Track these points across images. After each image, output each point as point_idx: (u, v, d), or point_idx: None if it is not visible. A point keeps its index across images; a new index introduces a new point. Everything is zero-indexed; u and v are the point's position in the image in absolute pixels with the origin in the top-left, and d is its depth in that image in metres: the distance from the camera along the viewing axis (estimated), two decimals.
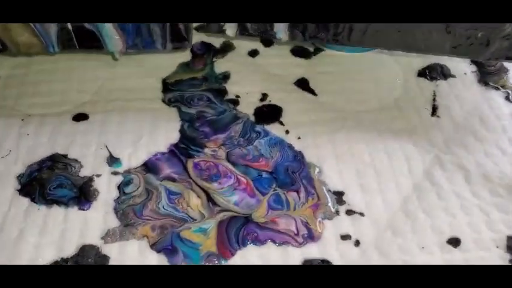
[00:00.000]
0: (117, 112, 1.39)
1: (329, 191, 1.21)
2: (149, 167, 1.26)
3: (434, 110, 1.36)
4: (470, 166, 1.24)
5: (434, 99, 1.40)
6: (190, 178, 1.23)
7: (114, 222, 1.14)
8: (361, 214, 1.16)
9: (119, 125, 1.36)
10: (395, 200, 1.18)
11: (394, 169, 1.25)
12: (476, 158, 1.27)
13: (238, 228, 1.13)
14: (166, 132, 1.34)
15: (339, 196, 1.19)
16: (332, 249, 1.09)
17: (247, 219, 1.14)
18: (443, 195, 1.19)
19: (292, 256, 1.08)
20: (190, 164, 1.26)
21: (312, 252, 1.09)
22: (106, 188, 1.21)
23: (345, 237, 1.12)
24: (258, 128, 1.36)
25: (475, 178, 1.22)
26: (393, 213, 1.15)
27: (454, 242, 1.10)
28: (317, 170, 1.25)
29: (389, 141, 1.30)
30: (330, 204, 1.18)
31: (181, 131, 1.34)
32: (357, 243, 1.10)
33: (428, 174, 1.23)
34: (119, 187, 1.21)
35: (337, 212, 1.16)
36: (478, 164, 1.25)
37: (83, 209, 1.16)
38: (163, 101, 1.43)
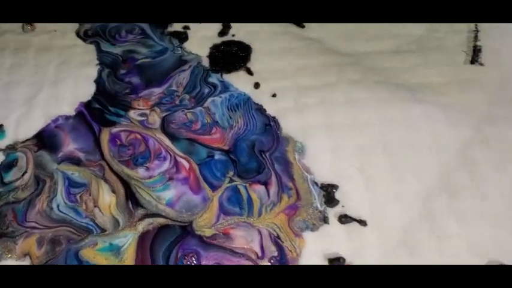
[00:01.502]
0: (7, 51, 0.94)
1: (315, 183, 0.79)
2: (44, 139, 0.83)
3: (475, 55, 0.90)
4: None
5: (475, 38, 0.95)
6: (104, 159, 0.81)
7: None
8: (362, 223, 0.75)
9: (10, 70, 0.95)
10: (416, 199, 0.77)
11: (414, 149, 0.83)
12: None
13: (170, 246, 0.72)
14: (75, 83, 0.90)
15: (329, 192, 0.78)
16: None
17: (185, 231, 0.74)
18: (487, 193, 0.77)
19: None
20: (105, 136, 0.84)
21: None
22: None
23: (335, 261, 0.71)
24: (214, 78, 0.91)
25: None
26: (411, 221, 0.75)
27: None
28: (298, 147, 0.83)
29: (408, 104, 0.87)
30: (315, 206, 0.76)
31: (98, 81, 0.90)
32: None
33: (466, 158, 0.81)
34: None
35: (325, 220, 0.75)
36: None
37: None
38: (78, 34, 0.97)
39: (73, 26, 1.01)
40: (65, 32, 1.00)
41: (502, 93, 0.90)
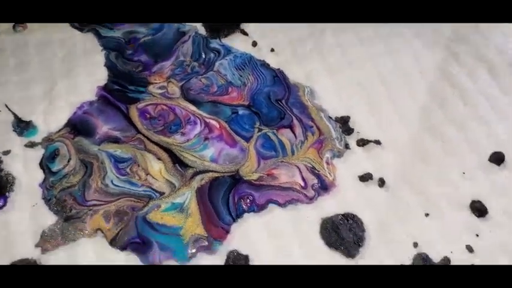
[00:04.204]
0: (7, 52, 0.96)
1: (330, 118, 0.91)
2: (77, 126, 0.88)
3: None
4: (492, 55, 0.98)
5: None
6: (140, 133, 0.87)
7: (48, 218, 0.81)
8: (377, 142, 0.89)
9: (17, 69, 0.96)
10: (414, 114, 0.92)
11: (402, 74, 0.97)
12: (497, 43, 1.00)
13: (225, 193, 0.82)
14: (86, 71, 0.95)
15: (344, 123, 0.90)
16: (353, 197, 0.83)
17: (235, 179, 0.83)
18: (468, 98, 0.94)
19: (306, 218, 0.80)
20: (133, 112, 0.90)
21: (330, 207, 0.82)
22: (23, 169, 0.86)
23: (365, 177, 0.85)
24: (214, 43, 0.99)
25: (500, 69, 0.97)
26: (416, 133, 0.90)
27: (497, 158, 0.87)
28: (307, 91, 0.94)
29: (388, 39, 1.01)
30: (335, 136, 0.89)
31: (108, 65, 0.95)
32: (381, 182, 0.84)
33: (445, 73, 0.96)
34: (41, 164, 0.85)
35: (346, 146, 0.88)
36: (500, 51, 0.99)
37: None
38: (73, 25, 1.01)
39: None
40: (59, 26, 1.01)
41: None
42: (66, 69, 0.96)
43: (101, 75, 0.95)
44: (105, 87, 0.93)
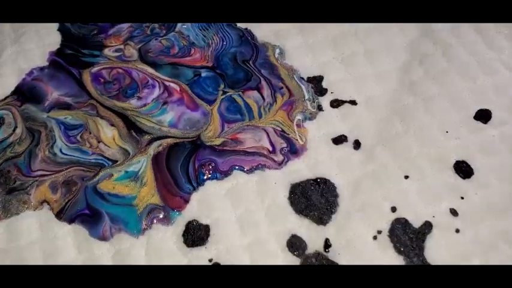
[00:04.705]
0: None
1: (301, 78, 0.83)
2: (25, 93, 0.81)
3: None
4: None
5: None
6: (93, 98, 0.80)
7: None
8: (353, 102, 0.82)
9: None
10: (393, 72, 0.85)
11: (381, 28, 0.90)
12: None
13: (185, 160, 0.74)
14: (38, 35, 0.87)
15: (316, 83, 0.83)
16: (325, 161, 0.76)
17: (196, 145, 0.76)
18: (451, 54, 0.86)
19: (273, 184, 0.73)
20: (87, 77, 0.83)
21: (300, 172, 0.75)
22: None
23: (339, 140, 0.77)
24: None
25: (485, 23, 0.89)
26: (394, 91, 0.82)
27: (483, 115, 0.79)
28: (277, 51, 0.87)
29: None
30: (307, 97, 0.81)
31: (61, 28, 0.88)
32: (357, 144, 0.77)
33: (426, 28, 0.89)
34: None
35: (319, 108, 0.81)
36: None
37: None
38: None
39: None
40: None
41: None
42: (16, 34, 0.89)
43: (53, 40, 0.88)
44: (57, 52, 0.86)
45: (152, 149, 0.76)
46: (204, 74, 0.84)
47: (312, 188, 0.73)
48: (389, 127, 0.79)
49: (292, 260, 0.68)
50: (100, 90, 0.82)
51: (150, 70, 0.84)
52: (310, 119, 0.80)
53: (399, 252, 0.68)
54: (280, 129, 0.78)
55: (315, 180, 0.74)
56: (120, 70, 0.84)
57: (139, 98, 0.81)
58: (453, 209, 0.71)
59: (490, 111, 0.79)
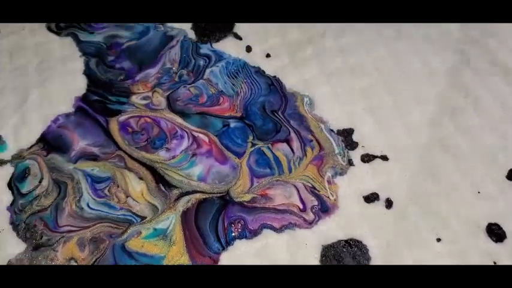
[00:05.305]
0: None
1: (331, 131, 0.82)
2: (50, 142, 0.80)
3: None
4: (507, 59, 0.90)
5: None
6: (120, 149, 0.79)
7: (16, 246, 0.73)
8: (384, 158, 0.80)
9: None
10: (423, 126, 0.84)
11: (409, 80, 0.88)
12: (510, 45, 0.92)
13: (214, 217, 0.73)
14: (63, 80, 0.86)
15: (347, 136, 0.82)
16: (357, 220, 0.75)
17: (225, 200, 0.75)
18: (482, 107, 0.85)
19: (304, 244, 0.72)
20: (114, 126, 0.82)
21: (331, 231, 0.74)
22: None
23: (371, 197, 0.76)
24: (205, 49, 0.91)
25: None
26: (425, 147, 0.81)
27: None
28: (306, 100, 0.85)
29: (394, 42, 0.92)
30: (337, 151, 0.80)
31: (87, 73, 0.86)
32: (389, 203, 0.76)
33: (456, 80, 0.88)
34: (10, 185, 0.77)
35: (350, 162, 0.79)
36: None
37: None
38: (50, 27, 0.93)
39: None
40: (35, 29, 0.94)
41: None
42: (41, 78, 0.88)
43: (79, 85, 0.87)
44: (83, 98, 0.85)
45: (181, 205, 0.75)
46: (233, 124, 0.83)
47: (344, 249, 0.72)
48: (421, 186, 0.78)
49: None
50: (128, 140, 0.81)
51: (179, 120, 0.83)
52: (341, 174, 0.79)
53: None
54: (310, 185, 0.77)
55: (347, 241, 0.73)
56: (148, 119, 0.83)
57: (167, 150, 0.80)
58: None
59: None
